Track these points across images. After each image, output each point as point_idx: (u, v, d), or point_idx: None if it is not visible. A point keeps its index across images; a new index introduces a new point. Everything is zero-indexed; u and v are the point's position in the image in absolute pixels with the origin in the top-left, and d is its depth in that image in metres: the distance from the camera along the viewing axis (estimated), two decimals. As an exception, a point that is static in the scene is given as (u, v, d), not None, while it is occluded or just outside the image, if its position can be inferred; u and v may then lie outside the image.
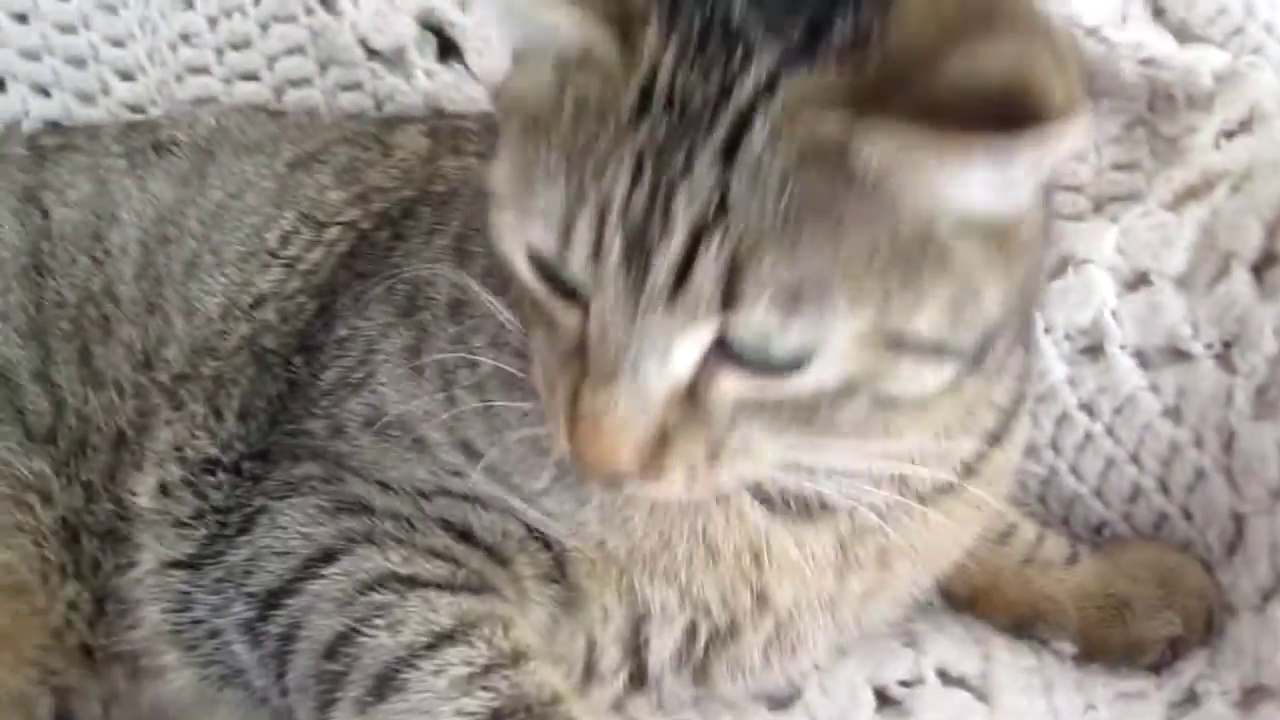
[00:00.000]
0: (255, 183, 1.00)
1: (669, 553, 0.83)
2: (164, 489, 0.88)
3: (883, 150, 0.62)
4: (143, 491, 0.89)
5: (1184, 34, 1.14)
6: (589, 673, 0.87)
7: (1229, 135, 1.04)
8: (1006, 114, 0.58)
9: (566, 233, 0.66)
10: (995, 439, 0.87)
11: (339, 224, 0.97)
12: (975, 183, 0.63)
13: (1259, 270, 0.93)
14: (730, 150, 0.64)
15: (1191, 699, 0.89)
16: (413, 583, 0.81)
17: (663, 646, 0.87)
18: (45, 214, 1.00)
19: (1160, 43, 1.12)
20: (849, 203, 0.63)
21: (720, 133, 0.64)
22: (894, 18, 0.63)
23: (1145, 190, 1.06)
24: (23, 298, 0.96)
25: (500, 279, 0.77)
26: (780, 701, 0.92)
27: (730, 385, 0.67)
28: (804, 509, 0.83)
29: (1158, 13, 1.14)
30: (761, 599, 0.86)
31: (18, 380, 0.93)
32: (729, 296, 0.63)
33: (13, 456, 0.89)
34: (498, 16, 0.73)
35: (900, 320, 0.65)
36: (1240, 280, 0.92)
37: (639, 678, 0.89)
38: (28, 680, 0.91)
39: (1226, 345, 0.93)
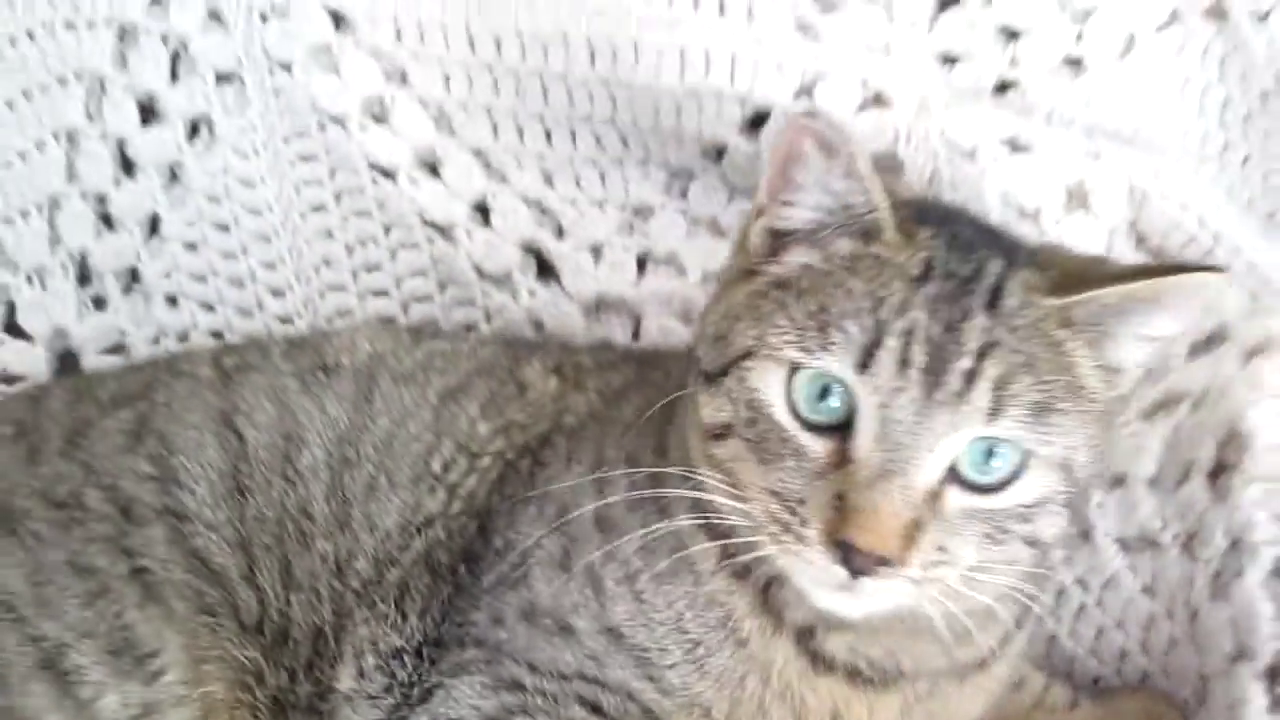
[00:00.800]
0: (414, 412, 1.21)
1: (764, 717, 1.05)
2: (361, 673, 1.10)
3: (1086, 313, 0.93)
4: (344, 677, 1.10)
5: (1161, 257, 1.35)
6: None
7: (1196, 351, 1.26)
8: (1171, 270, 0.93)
9: (868, 355, 0.91)
10: (1020, 618, 1.10)
11: (489, 454, 1.19)
12: (1152, 323, 0.94)
13: (1214, 476, 1.13)
14: (991, 306, 0.93)
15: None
16: None
17: None
18: (240, 437, 1.20)
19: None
20: (1066, 353, 0.93)
21: (983, 295, 0.93)
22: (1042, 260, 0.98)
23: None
24: (230, 514, 1.16)
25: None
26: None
27: (957, 497, 0.92)
28: (884, 680, 1.05)
29: (1140, 240, 1.36)
30: None
31: (231, 582, 1.13)
32: (994, 409, 0.89)
33: (233, 647, 1.10)
34: (811, 196, 0.97)
35: (1078, 450, 0.93)
36: (1198, 484, 1.13)
37: None
38: None
39: (1189, 537, 1.15)
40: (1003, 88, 1.39)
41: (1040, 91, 1.38)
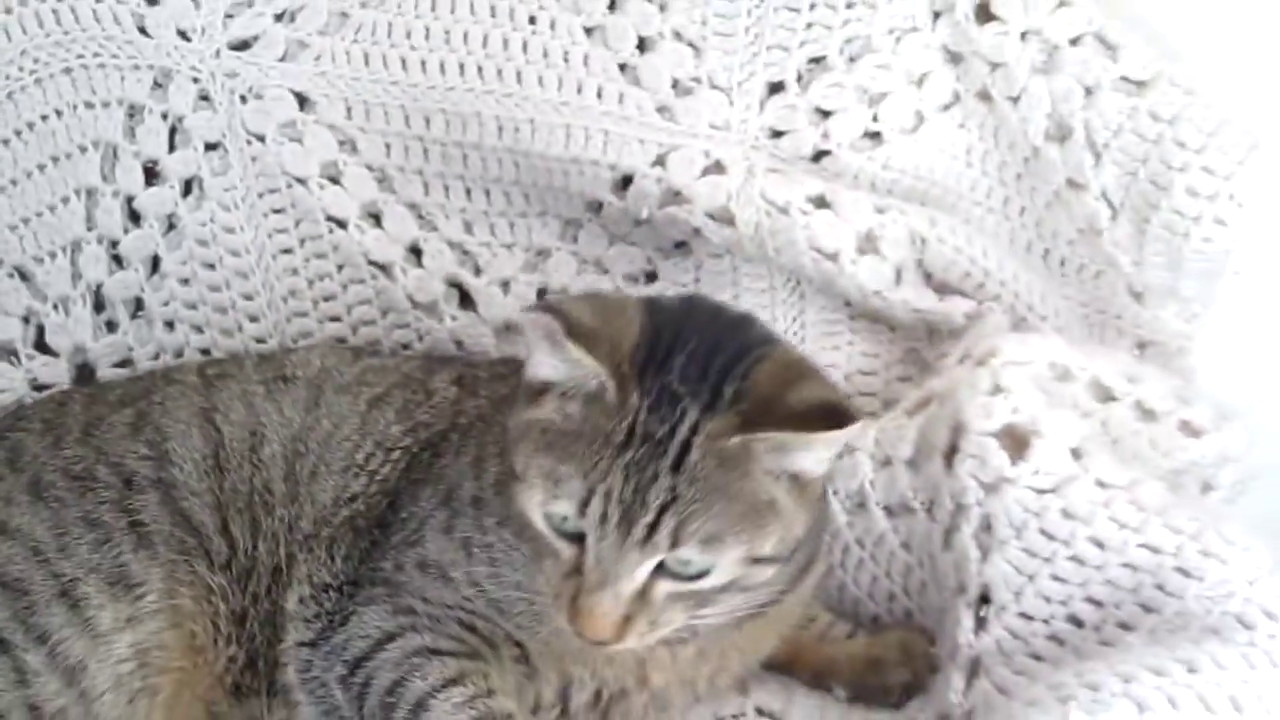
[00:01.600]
0: (348, 417, 1.53)
1: (587, 653, 1.36)
2: (300, 600, 1.44)
3: (764, 446, 1.18)
4: (291, 600, 1.44)
5: (944, 289, 1.67)
6: (535, 706, 1.43)
7: (964, 360, 1.59)
8: (828, 420, 1.18)
9: (583, 508, 1.19)
10: (803, 570, 1.43)
11: (399, 449, 1.51)
12: (809, 459, 1.21)
13: (947, 457, 1.43)
14: (677, 466, 1.18)
15: (910, 721, 1.44)
16: (437, 653, 1.36)
17: (579, 701, 1.42)
18: (218, 430, 1.52)
19: (924, 296, 1.65)
20: (739, 486, 1.19)
21: (671, 457, 1.18)
22: (753, 380, 1.21)
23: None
24: (210, 485, 1.49)
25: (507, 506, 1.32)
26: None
27: (664, 587, 1.21)
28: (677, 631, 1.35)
29: (928, 276, 1.66)
30: (640, 680, 1.41)
31: (208, 533, 1.47)
32: (673, 543, 1.19)
33: (204, 575, 1.44)
34: (551, 365, 1.22)
35: (758, 549, 1.21)
36: (937, 463, 1.44)
37: (565, 713, 1.44)
38: (197, 709, 1.46)
39: (931, 503, 1.46)
40: (818, 156, 1.67)
41: (847, 159, 1.66)
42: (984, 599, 1.38)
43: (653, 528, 1.19)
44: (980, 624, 1.38)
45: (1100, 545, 1.34)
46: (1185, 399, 1.55)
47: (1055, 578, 1.35)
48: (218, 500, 1.49)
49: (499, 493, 1.38)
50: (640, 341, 1.24)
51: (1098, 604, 1.34)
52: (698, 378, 1.22)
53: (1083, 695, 1.19)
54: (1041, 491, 1.36)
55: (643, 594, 1.22)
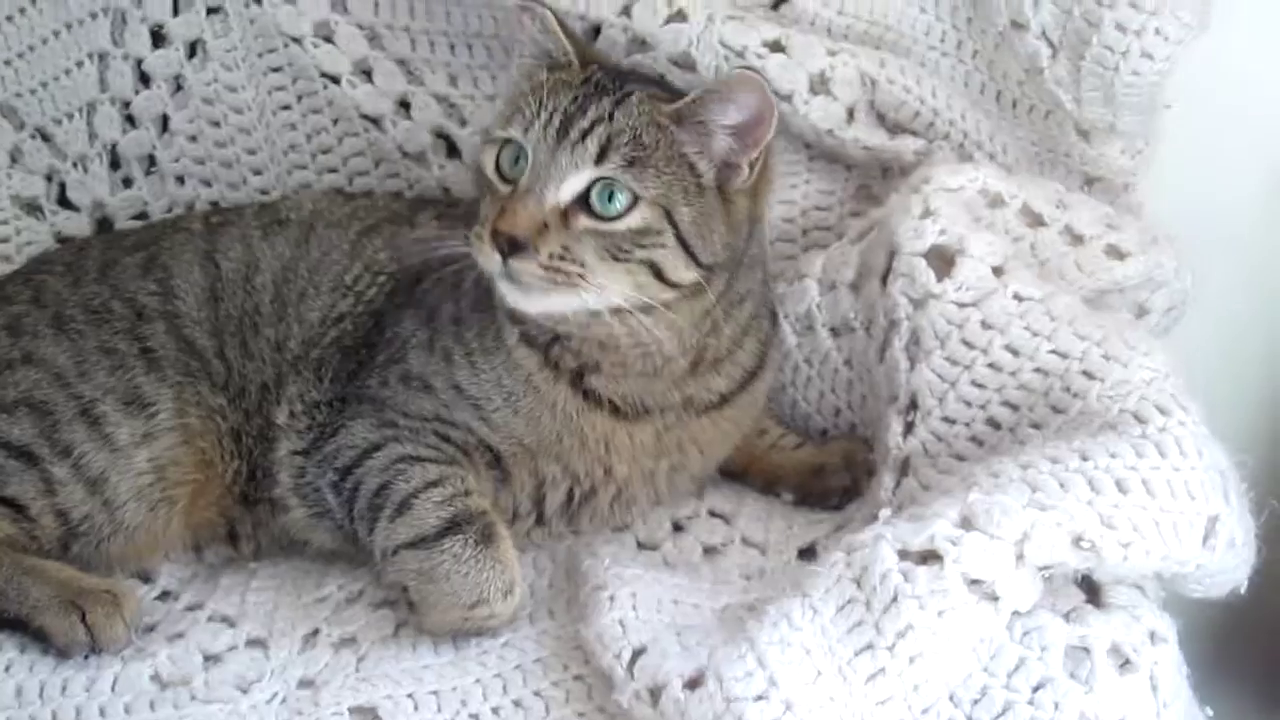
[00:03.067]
0: (338, 244, 1.69)
1: (559, 445, 1.53)
2: (292, 414, 1.60)
3: (690, 108, 1.39)
4: (280, 415, 1.60)
5: (896, 129, 1.76)
6: (512, 516, 1.57)
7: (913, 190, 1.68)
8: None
9: (529, 126, 1.39)
10: (751, 376, 1.57)
11: (385, 274, 1.66)
12: (722, 134, 1.39)
13: (883, 279, 1.55)
14: (619, 101, 1.39)
15: (848, 521, 1.57)
16: (418, 459, 1.51)
17: (553, 501, 1.58)
18: (218, 266, 1.68)
19: (875, 134, 1.75)
20: (667, 139, 1.38)
21: (615, 95, 1.41)
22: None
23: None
24: (209, 314, 1.65)
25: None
26: (617, 529, 1.62)
27: (583, 220, 1.37)
28: (636, 413, 1.52)
29: (880, 117, 1.76)
30: (608, 473, 1.56)
31: (208, 357, 1.63)
32: (601, 154, 1.36)
33: (206, 396, 1.61)
34: (529, 47, 1.49)
35: (674, 202, 1.38)
36: (874, 285, 1.56)
37: (540, 519, 1.59)
38: (212, 514, 1.64)
39: (869, 322, 1.58)
40: (777, 4, 1.77)
41: (804, 6, 1.76)
42: (912, 405, 1.51)
43: (585, 134, 1.37)
44: (908, 428, 1.51)
45: (1015, 352, 1.46)
46: (1114, 226, 1.65)
47: (975, 383, 1.48)
48: (215, 327, 1.65)
49: (475, 309, 1.54)
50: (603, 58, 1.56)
51: (1013, 407, 1.46)
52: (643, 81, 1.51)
53: (984, 481, 1.32)
54: (963, 305, 1.48)
55: (564, 219, 1.38)
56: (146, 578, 1.64)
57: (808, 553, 1.54)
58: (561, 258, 1.37)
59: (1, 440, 1.58)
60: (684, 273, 1.41)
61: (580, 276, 1.37)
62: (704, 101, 1.39)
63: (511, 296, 1.42)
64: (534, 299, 1.41)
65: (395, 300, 1.64)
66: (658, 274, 1.40)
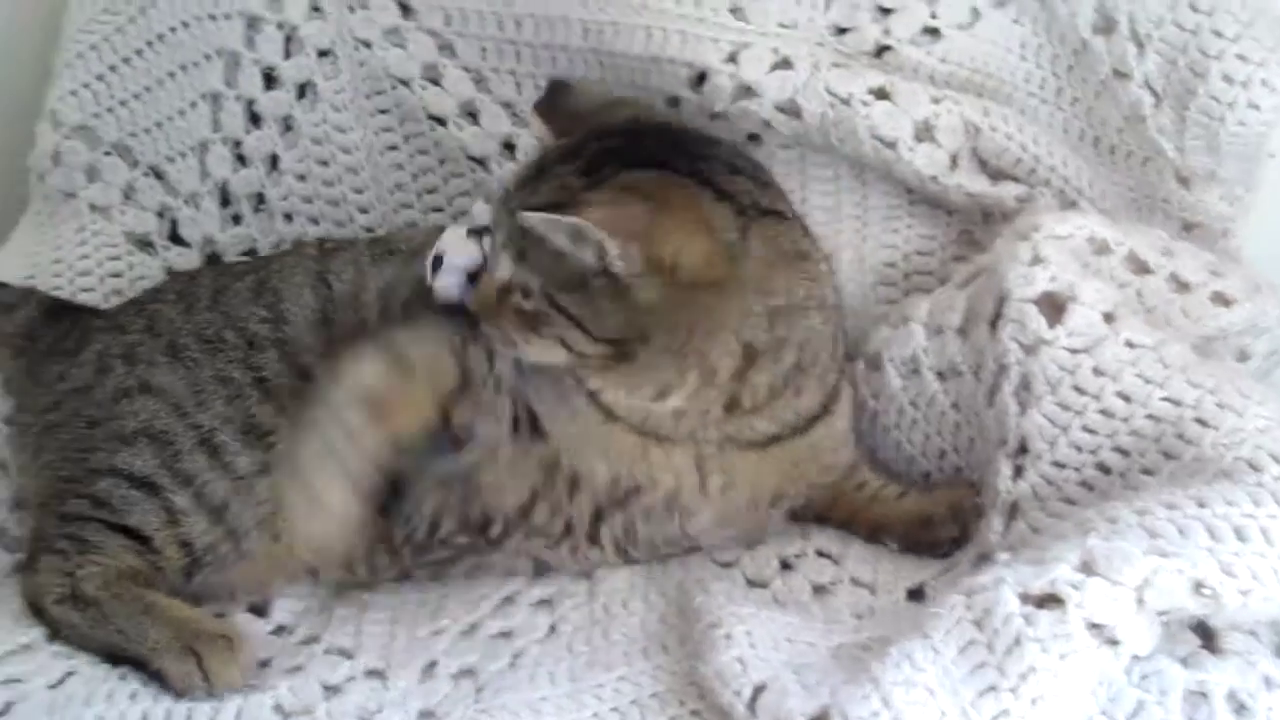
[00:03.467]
0: None
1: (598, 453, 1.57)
2: None
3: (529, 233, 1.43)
4: None
5: (998, 175, 1.80)
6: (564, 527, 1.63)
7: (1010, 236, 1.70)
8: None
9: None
10: (812, 420, 1.60)
11: None
12: (569, 249, 1.42)
13: (991, 323, 1.58)
14: (532, 190, 1.48)
15: (954, 564, 1.59)
16: None
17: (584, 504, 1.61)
18: (329, 287, 1.74)
19: (977, 180, 1.79)
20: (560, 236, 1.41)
21: (536, 182, 1.49)
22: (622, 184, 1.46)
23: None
24: (318, 337, 1.70)
25: None
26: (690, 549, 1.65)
27: (510, 299, 1.47)
28: (659, 437, 1.56)
29: (982, 163, 1.80)
30: (650, 479, 1.58)
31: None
32: (505, 244, 1.47)
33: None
34: None
35: (558, 294, 1.45)
36: (983, 330, 1.58)
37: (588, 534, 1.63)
38: None
39: (978, 366, 1.61)
40: (880, 52, 1.80)
41: (907, 54, 1.79)
42: (1022, 449, 1.53)
43: (499, 224, 1.51)
44: (1018, 472, 1.53)
45: (1127, 399, 1.48)
46: (1218, 273, 1.67)
47: (1086, 429, 1.49)
48: (326, 350, 1.68)
49: None
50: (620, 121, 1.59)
51: (1124, 453, 1.48)
52: (608, 157, 1.51)
53: (1102, 527, 1.34)
54: (1075, 351, 1.50)
55: (504, 297, 1.49)
56: (261, 611, 1.67)
57: (916, 593, 1.56)
58: (503, 329, 1.50)
59: (125, 471, 1.62)
60: (587, 346, 1.49)
61: (515, 344, 1.51)
62: (536, 227, 1.43)
63: None
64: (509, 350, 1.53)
65: None
66: (566, 345, 1.49)
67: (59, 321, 1.89)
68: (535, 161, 1.55)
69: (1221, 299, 1.64)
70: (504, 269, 1.49)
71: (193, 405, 1.66)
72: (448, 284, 1.64)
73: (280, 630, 1.65)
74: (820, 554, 1.65)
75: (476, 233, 1.67)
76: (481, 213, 1.92)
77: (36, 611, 1.58)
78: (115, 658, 1.53)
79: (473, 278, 1.62)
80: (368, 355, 1.52)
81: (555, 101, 1.63)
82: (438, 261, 1.66)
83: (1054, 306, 1.53)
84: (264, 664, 1.57)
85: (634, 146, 1.53)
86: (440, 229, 1.93)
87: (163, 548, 1.61)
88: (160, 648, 1.50)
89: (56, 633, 1.57)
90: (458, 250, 1.66)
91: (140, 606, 1.54)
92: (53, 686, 1.50)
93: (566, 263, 1.43)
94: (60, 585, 1.56)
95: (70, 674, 1.52)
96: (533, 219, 1.41)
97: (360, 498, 1.47)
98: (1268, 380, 1.71)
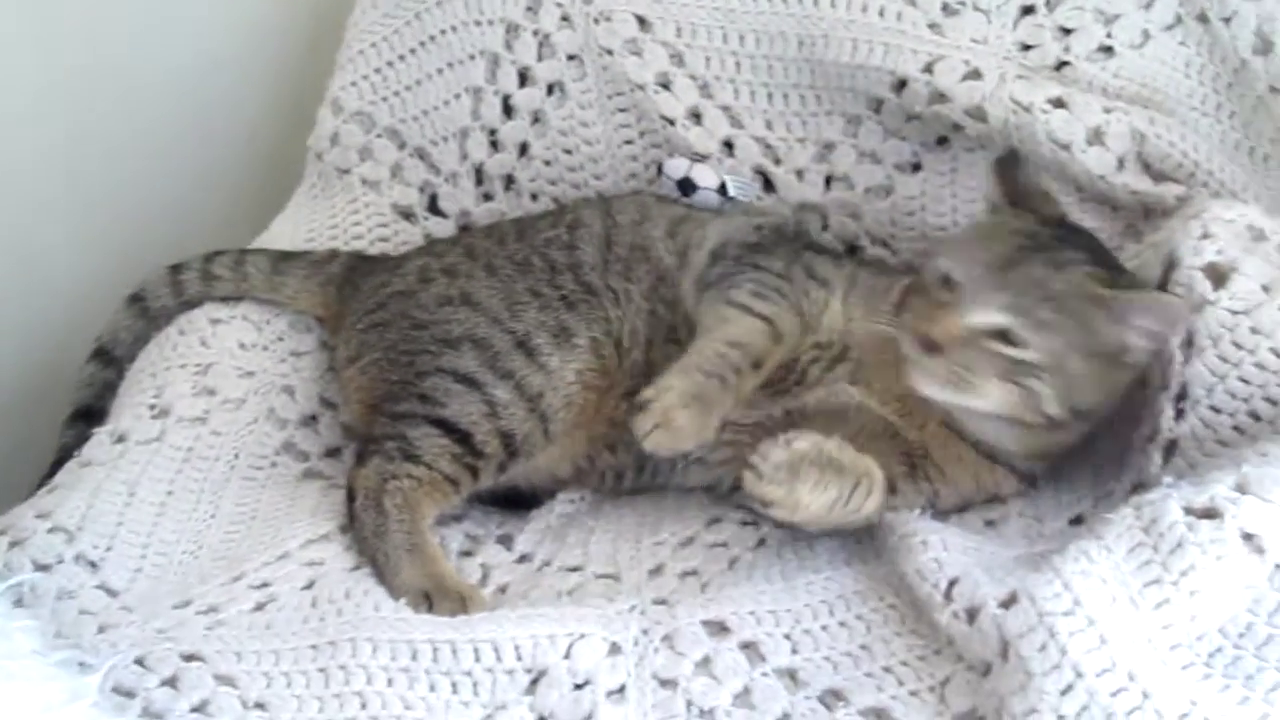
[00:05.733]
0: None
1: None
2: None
3: (1112, 300, 1.64)
4: (684, 282, 1.98)
5: (1160, 177, 2.03)
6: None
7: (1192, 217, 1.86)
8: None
9: (967, 256, 1.69)
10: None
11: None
12: (1138, 329, 1.65)
13: (1161, 288, 1.76)
14: (1054, 265, 1.65)
15: (1108, 495, 1.82)
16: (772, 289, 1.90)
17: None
18: (614, 220, 2.04)
19: (1141, 181, 2.02)
20: (1078, 316, 1.63)
21: (1056, 259, 1.67)
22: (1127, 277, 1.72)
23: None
24: (598, 257, 1.98)
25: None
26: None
27: (990, 343, 1.63)
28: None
29: (1145, 166, 2.02)
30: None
31: (603, 295, 1.95)
32: (1017, 305, 1.62)
33: (604, 325, 1.94)
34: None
35: (1066, 358, 1.64)
36: None
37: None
38: (604, 427, 1.94)
39: None
40: (1059, 66, 2.05)
41: (1083, 69, 2.04)
42: (1183, 395, 1.74)
43: (1012, 284, 1.64)
44: (1179, 414, 1.73)
45: (1279, 355, 1.69)
46: (1362, 264, 1.88)
47: (1241, 379, 1.70)
48: (605, 268, 1.99)
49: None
50: (1053, 215, 1.81)
51: (1273, 402, 1.69)
52: (1094, 251, 1.73)
53: (1254, 458, 1.57)
54: (1235, 313, 1.72)
55: (975, 339, 1.66)
56: (508, 543, 1.93)
57: (1077, 521, 1.78)
58: (960, 365, 1.66)
59: (450, 370, 1.89)
60: (1054, 408, 1.68)
61: (969, 386, 1.67)
62: (1132, 306, 1.64)
63: (912, 377, 1.71)
64: (929, 386, 1.71)
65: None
66: (1034, 403, 1.68)
67: (373, 260, 2.20)
68: (1025, 234, 1.70)
69: (1365, 286, 1.85)
70: (991, 317, 1.63)
71: (508, 315, 1.92)
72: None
73: (522, 559, 1.90)
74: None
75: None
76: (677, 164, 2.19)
77: (349, 499, 1.85)
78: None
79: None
80: (741, 318, 1.81)
81: (1010, 165, 1.80)
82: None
83: (1218, 276, 1.75)
84: (504, 589, 1.83)
85: (1105, 250, 1.78)
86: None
87: (484, 442, 1.86)
88: (402, 586, 1.74)
89: (350, 524, 1.84)
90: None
91: (410, 542, 1.78)
92: (350, 570, 1.79)
93: (1094, 337, 1.64)
94: (374, 485, 1.83)
95: (361, 566, 1.81)
96: (1145, 297, 1.67)
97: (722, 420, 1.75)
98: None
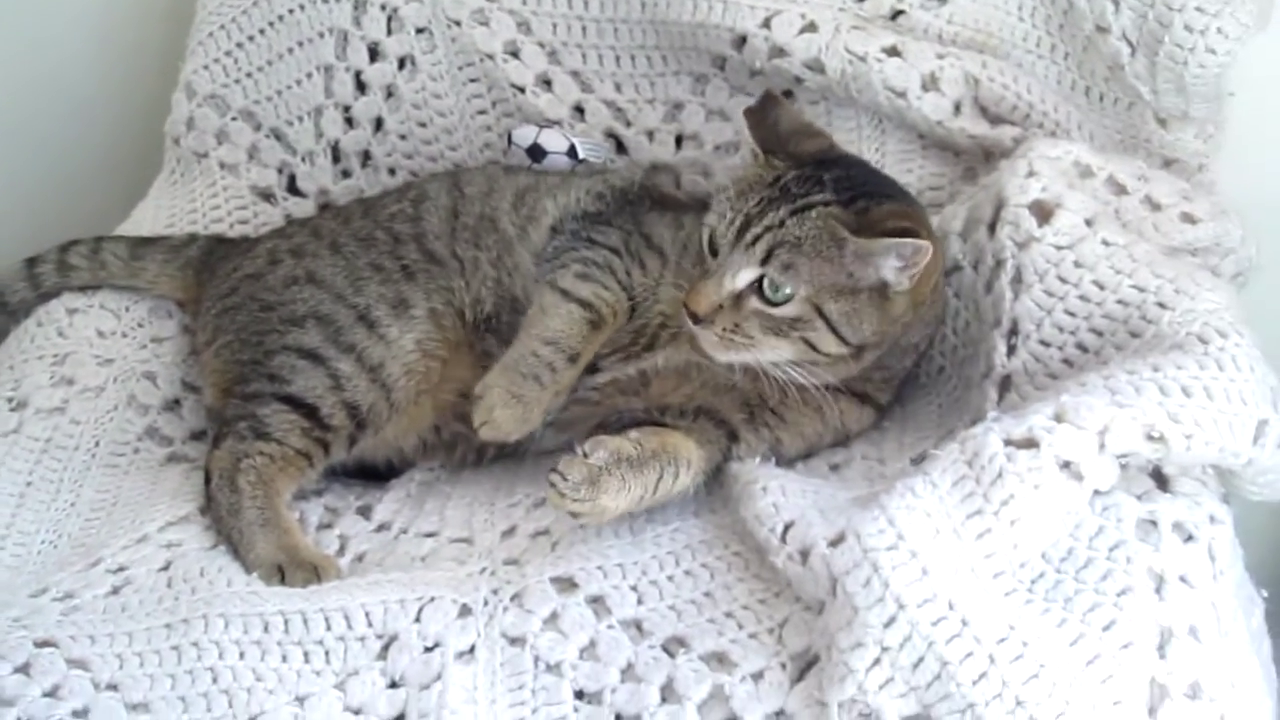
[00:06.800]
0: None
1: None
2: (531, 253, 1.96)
3: (854, 249, 1.63)
4: (523, 256, 1.98)
5: (997, 120, 2.07)
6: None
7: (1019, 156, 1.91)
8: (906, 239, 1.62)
9: (719, 220, 1.68)
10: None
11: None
12: (885, 267, 1.64)
13: (990, 227, 1.82)
14: (795, 212, 1.65)
15: (950, 432, 1.86)
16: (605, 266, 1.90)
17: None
18: (462, 192, 2.05)
19: (979, 124, 2.07)
20: (829, 255, 1.64)
21: (794, 205, 1.66)
22: (877, 210, 1.68)
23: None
24: (447, 228, 2.00)
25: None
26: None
27: (753, 302, 1.67)
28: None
29: (983, 110, 2.07)
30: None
31: (448, 264, 1.97)
32: (765, 257, 1.64)
33: (446, 293, 1.96)
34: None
35: (824, 300, 1.65)
36: (983, 232, 1.83)
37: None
38: (451, 395, 1.95)
39: (976, 262, 1.85)
40: (895, 15, 2.09)
41: (918, 17, 2.08)
42: (1013, 330, 1.79)
43: (757, 238, 1.67)
44: (1010, 350, 1.79)
45: (1101, 286, 1.74)
46: (1189, 197, 1.92)
47: (1067, 312, 1.75)
48: (452, 238, 2.00)
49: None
50: (813, 151, 1.77)
51: (1098, 333, 1.74)
52: (842, 187, 1.70)
53: (1073, 388, 1.60)
54: (1060, 248, 1.77)
55: (738, 301, 1.69)
56: (366, 513, 1.95)
57: (918, 460, 1.81)
58: (732, 331, 1.70)
59: (295, 347, 1.92)
60: (833, 348, 1.72)
61: (747, 345, 1.71)
62: (875, 250, 1.65)
63: (696, 345, 1.76)
64: (715, 352, 1.74)
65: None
66: (813, 346, 1.72)
67: (229, 242, 2.22)
68: (769, 184, 1.71)
69: (1189, 218, 1.89)
70: (743, 277, 1.67)
71: (350, 290, 1.96)
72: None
73: (380, 528, 1.92)
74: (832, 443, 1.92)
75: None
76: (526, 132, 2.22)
77: (206, 481, 1.88)
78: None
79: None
80: (559, 306, 1.83)
81: (765, 111, 1.80)
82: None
83: (1043, 212, 1.80)
84: (360, 557, 1.85)
85: (862, 178, 1.77)
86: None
87: (330, 415, 1.89)
88: (256, 560, 1.78)
89: (208, 506, 1.87)
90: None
91: (263, 517, 1.82)
92: (207, 549, 1.82)
93: (846, 275, 1.67)
94: (228, 465, 1.86)
95: (218, 545, 1.83)
96: (882, 243, 1.64)
97: (545, 412, 1.81)
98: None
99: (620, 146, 2.24)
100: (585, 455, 1.64)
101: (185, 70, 2.32)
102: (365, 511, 1.95)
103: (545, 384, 1.79)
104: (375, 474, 2.03)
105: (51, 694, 1.54)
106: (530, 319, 1.85)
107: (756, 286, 1.68)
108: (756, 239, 1.67)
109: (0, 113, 2.45)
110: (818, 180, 1.71)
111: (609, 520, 1.68)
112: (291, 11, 2.28)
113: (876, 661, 1.41)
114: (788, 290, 1.67)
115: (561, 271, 1.88)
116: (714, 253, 1.72)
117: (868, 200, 1.71)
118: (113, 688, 1.56)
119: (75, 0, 2.48)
